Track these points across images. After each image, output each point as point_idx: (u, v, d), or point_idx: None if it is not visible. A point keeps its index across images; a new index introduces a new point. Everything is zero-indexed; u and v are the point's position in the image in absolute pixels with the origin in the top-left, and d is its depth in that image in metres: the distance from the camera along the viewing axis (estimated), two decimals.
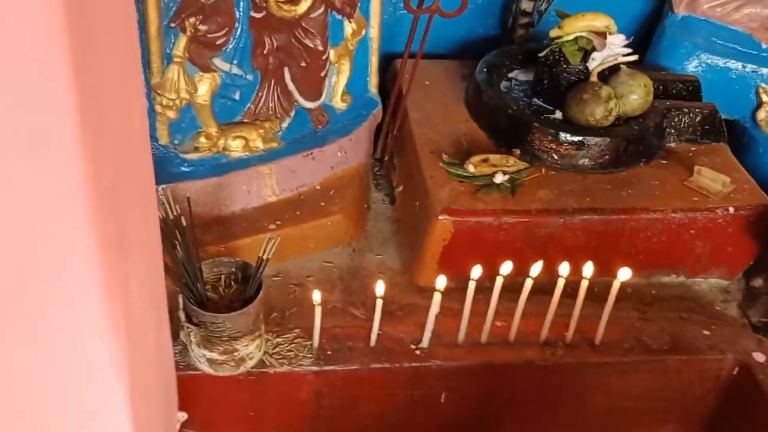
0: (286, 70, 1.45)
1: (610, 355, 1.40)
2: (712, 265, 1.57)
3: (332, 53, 1.49)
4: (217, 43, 1.35)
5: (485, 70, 1.68)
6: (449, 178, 1.49)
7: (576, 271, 1.34)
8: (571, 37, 1.55)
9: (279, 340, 1.34)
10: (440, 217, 1.43)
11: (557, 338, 1.40)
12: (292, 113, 1.51)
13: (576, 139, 1.52)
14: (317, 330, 1.32)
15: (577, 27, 1.54)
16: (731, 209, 1.50)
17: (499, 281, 1.31)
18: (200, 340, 1.23)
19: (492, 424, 1.47)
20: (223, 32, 1.35)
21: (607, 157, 1.54)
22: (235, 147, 1.45)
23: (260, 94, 1.45)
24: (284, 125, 1.50)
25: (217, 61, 1.37)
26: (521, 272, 1.33)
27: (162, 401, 0.95)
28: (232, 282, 1.29)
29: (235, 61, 1.38)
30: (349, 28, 1.50)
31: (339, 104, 1.57)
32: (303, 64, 1.46)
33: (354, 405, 1.39)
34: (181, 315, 1.22)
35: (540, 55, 1.60)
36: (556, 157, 1.54)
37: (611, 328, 1.40)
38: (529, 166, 1.52)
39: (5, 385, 0.64)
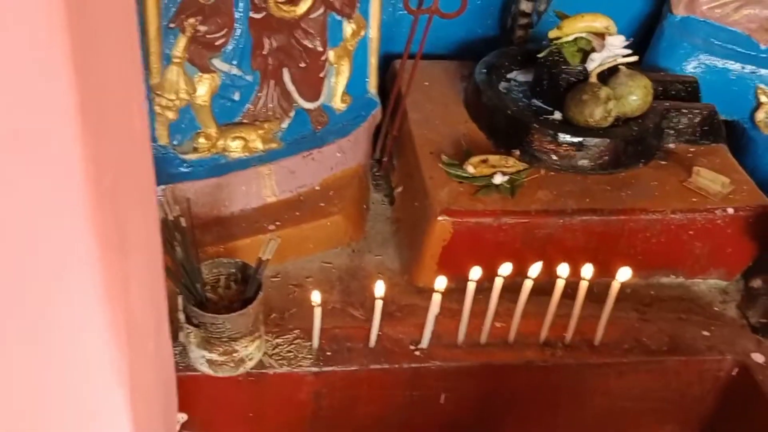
0: (285, 70, 1.45)
1: (609, 355, 1.40)
2: (711, 265, 1.57)
3: (331, 54, 1.49)
4: (217, 43, 1.35)
5: (484, 70, 1.68)
6: (448, 179, 1.49)
7: (575, 272, 1.34)
8: (570, 38, 1.55)
9: (278, 340, 1.34)
10: (439, 218, 1.43)
11: (557, 339, 1.40)
12: (292, 114, 1.51)
13: (575, 139, 1.52)
14: (317, 331, 1.32)
15: (576, 28, 1.54)
16: (730, 210, 1.50)
17: (498, 282, 1.31)
18: (200, 341, 1.23)
19: (491, 425, 1.47)
20: (223, 33, 1.35)
21: (606, 157, 1.54)
22: (235, 147, 1.45)
23: (260, 94, 1.45)
24: (283, 126, 1.50)
25: (217, 62, 1.37)
26: (520, 273, 1.33)
27: (162, 402, 0.95)
28: (232, 283, 1.29)
29: (234, 62, 1.38)
30: (348, 28, 1.49)
31: (338, 105, 1.57)
32: (302, 64, 1.46)
33: (353, 406, 1.39)
34: (181, 316, 1.22)
35: (539, 56, 1.60)
36: (555, 158, 1.54)
37: (610, 329, 1.40)
38: (529, 166, 1.52)
39: (5, 386, 0.64)
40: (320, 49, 1.46)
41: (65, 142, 0.54)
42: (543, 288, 1.34)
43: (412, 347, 1.37)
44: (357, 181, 1.63)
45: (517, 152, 1.54)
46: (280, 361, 1.31)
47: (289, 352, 1.33)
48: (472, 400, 1.42)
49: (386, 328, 1.37)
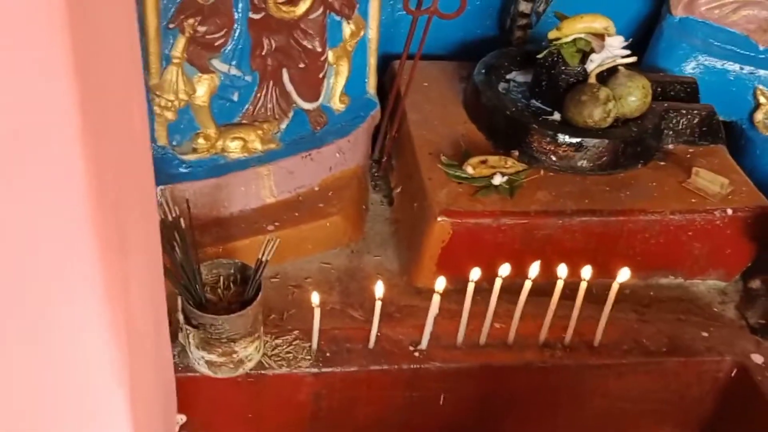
0: (284, 71, 1.45)
1: (608, 356, 1.40)
2: (710, 266, 1.57)
3: (331, 54, 1.49)
4: (216, 44, 1.35)
5: (483, 71, 1.68)
6: (448, 180, 1.49)
7: (574, 273, 1.34)
8: (569, 39, 1.55)
9: (278, 341, 1.34)
10: (439, 219, 1.43)
11: (556, 340, 1.40)
12: (291, 114, 1.50)
13: (574, 140, 1.52)
14: (316, 332, 1.31)
15: (575, 29, 1.54)
16: (729, 211, 1.50)
17: (497, 283, 1.31)
18: (199, 341, 1.23)
19: (491, 426, 1.47)
20: (222, 33, 1.34)
21: (605, 158, 1.54)
22: (234, 148, 1.45)
23: (259, 95, 1.45)
24: (282, 126, 1.50)
25: (216, 63, 1.37)
26: (520, 274, 1.33)
27: (161, 403, 0.95)
28: (231, 284, 1.29)
29: (233, 62, 1.38)
30: (347, 29, 1.49)
31: (337, 105, 1.56)
32: (301, 65, 1.46)
33: (353, 407, 1.39)
34: (180, 317, 1.22)
35: (538, 56, 1.60)
36: (554, 159, 1.54)
37: (610, 330, 1.40)
38: (528, 167, 1.52)
39: (5, 387, 0.64)
40: (319, 49, 1.46)
41: (65, 142, 0.53)
42: (542, 289, 1.34)
43: (411, 348, 1.37)
44: (356, 181, 1.63)
45: (516, 153, 1.54)
46: (280, 362, 1.31)
47: (289, 353, 1.32)
48: (472, 401, 1.42)
49: (385, 329, 1.37)
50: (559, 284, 1.33)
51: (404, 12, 1.55)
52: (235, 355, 1.24)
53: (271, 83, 1.45)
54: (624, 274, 1.35)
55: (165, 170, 1.40)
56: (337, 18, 1.47)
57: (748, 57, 1.77)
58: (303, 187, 1.56)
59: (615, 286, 1.34)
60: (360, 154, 1.65)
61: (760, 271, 1.53)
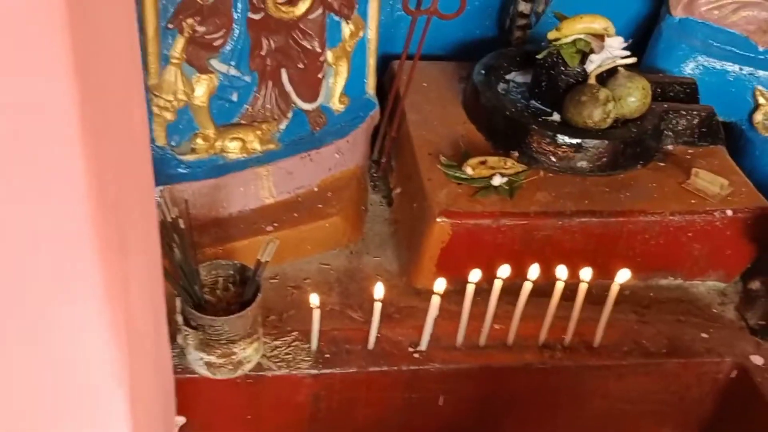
0: (283, 71, 1.45)
1: (608, 358, 1.40)
2: (709, 267, 1.57)
3: (330, 55, 1.48)
4: (215, 44, 1.35)
5: (483, 72, 1.67)
6: (447, 180, 1.49)
7: (574, 274, 1.34)
8: (569, 40, 1.55)
9: (277, 343, 1.33)
10: (438, 220, 1.43)
11: (556, 341, 1.39)
12: (290, 115, 1.50)
13: (574, 141, 1.52)
14: (315, 333, 1.31)
15: (575, 29, 1.54)
16: (729, 212, 1.50)
17: (497, 284, 1.31)
18: (198, 343, 1.22)
19: (490, 427, 1.47)
20: (221, 33, 1.34)
21: (605, 159, 1.54)
22: (233, 148, 1.45)
23: (258, 95, 1.45)
24: (282, 127, 1.50)
25: (215, 63, 1.36)
26: (519, 275, 1.33)
27: (161, 404, 0.95)
28: (230, 285, 1.28)
29: (232, 63, 1.37)
30: (346, 29, 1.49)
31: (336, 106, 1.56)
32: (300, 65, 1.45)
33: (352, 408, 1.38)
34: (179, 318, 1.22)
35: (538, 57, 1.60)
36: (554, 160, 1.53)
37: (609, 331, 1.39)
38: (527, 168, 1.52)
39: (5, 386, 0.64)
40: (318, 49, 1.46)
41: (65, 142, 0.53)
42: (542, 290, 1.34)
43: (410, 349, 1.37)
44: (355, 182, 1.62)
45: (516, 154, 1.53)
46: (279, 364, 1.31)
47: (288, 354, 1.32)
48: (471, 403, 1.42)
49: (385, 330, 1.37)
50: (559, 285, 1.33)
51: (403, 12, 1.54)
52: (234, 357, 1.24)
53: (270, 84, 1.44)
54: (624, 275, 1.34)
55: (164, 171, 1.39)
56: (337, 18, 1.46)
57: (747, 58, 1.77)
58: (302, 187, 1.55)
59: (615, 287, 1.34)
60: (359, 155, 1.65)
61: (760, 272, 1.53)
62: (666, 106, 1.64)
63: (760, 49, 1.77)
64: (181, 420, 1.22)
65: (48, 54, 0.50)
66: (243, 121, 1.46)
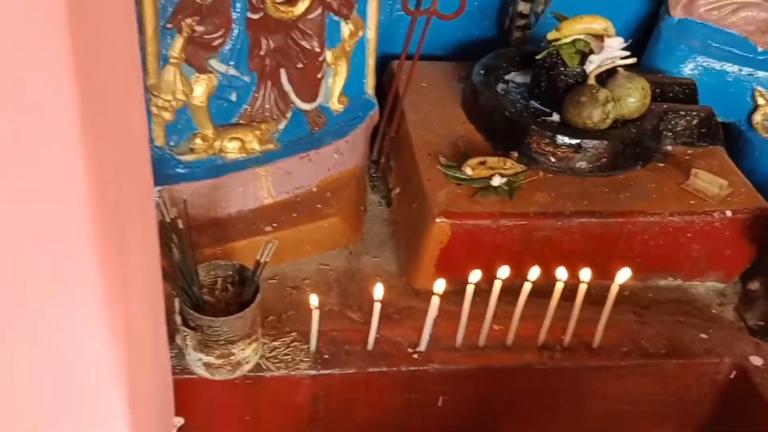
0: (282, 71, 1.44)
1: (607, 358, 1.40)
2: (708, 268, 1.56)
3: (329, 54, 1.48)
4: (214, 44, 1.34)
5: (482, 72, 1.67)
6: (446, 181, 1.49)
7: (573, 274, 1.34)
8: (568, 40, 1.55)
9: (276, 343, 1.33)
10: (437, 220, 1.42)
11: (555, 342, 1.39)
12: (289, 115, 1.50)
13: (573, 141, 1.52)
14: (314, 334, 1.31)
15: (574, 30, 1.54)
16: (728, 212, 1.50)
17: (497, 285, 1.31)
18: (196, 343, 1.22)
19: (489, 428, 1.46)
20: (220, 33, 1.34)
21: (604, 159, 1.53)
22: (231, 148, 1.44)
23: (257, 95, 1.44)
24: (280, 127, 1.49)
25: (214, 62, 1.36)
26: (519, 275, 1.32)
27: (159, 405, 0.95)
28: (229, 285, 1.28)
29: (231, 63, 1.37)
30: (346, 29, 1.49)
31: (335, 106, 1.56)
32: (300, 65, 1.45)
33: (351, 409, 1.38)
34: (177, 318, 1.21)
35: (537, 57, 1.60)
36: (553, 160, 1.53)
37: (609, 332, 1.39)
38: (527, 168, 1.51)
39: (5, 387, 0.63)
40: (318, 49, 1.45)
41: (65, 142, 0.53)
42: (541, 290, 1.34)
43: (410, 350, 1.36)
44: (354, 182, 1.62)
45: (516, 154, 1.53)
46: (278, 364, 1.30)
47: (287, 355, 1.32)
48: (471, 403, 1.42)
49: (384, 330, 1.36)
50: (559, 286, 1.33)
51: (403, 12, 1.54)
52: (232, 357, 1.24)
53: (269, 83, 1.44)
54: (623, 276, 1.34)
55: (162, 171, 1.39)
56: (336, 18, 1.46)
57: (746, 58, 1.77)
58: (301, 187, 1.55)
59: (614, 288, 1.34)
60: (358, 155, 1.64)
61: (759, 272, 1.53)
62: (665, 106, 1.64)
63: (759, 49, 1.77)
64: (180, 421, 1.22)
65: (48, 54, 0.50)
66: (242, 121, 1.45)
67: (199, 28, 1.31)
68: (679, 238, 1.51)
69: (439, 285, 1.29)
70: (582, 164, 1.53)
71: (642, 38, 1.87)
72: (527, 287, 1.31)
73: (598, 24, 1.54)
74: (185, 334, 1.22)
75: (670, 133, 1.64)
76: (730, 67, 1.77)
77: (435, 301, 1.29)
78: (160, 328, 0.93)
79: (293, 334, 1.35)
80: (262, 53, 1.40)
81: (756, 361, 1.42)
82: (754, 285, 1.52)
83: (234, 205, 1.48)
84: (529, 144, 1.53)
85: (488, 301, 1.32)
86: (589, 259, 1.38)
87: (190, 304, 1.21)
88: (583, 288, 1.33)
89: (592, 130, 1.53)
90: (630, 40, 1.59)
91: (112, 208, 0.61)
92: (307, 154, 1.54)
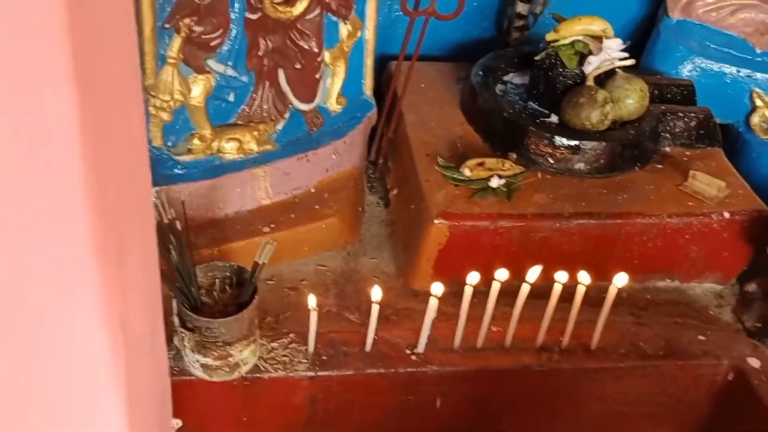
0: (280, 71, 1.44)
1: (605, 360, 1.40)
2: (706, 269, 1.56)
3: (327, 55, 1.48)
4: (212, 44, 1.34)
5: (480, 73, 1.67)
6: (445, 182, 1.49)
7: (571, 276, 1.33)
8: (567, 41, 1.55)
9: (274, 345, 1.33)
10: (436, 221, 1.42)
11: (553, 343, 1.39)
12: (287, 115, 1.49)
13: (572, 143, 1.52)
14: (312, 335, 1.30)
15: (573, 31, 1.54)
16: (726, 214, 1.50)
17: (495, 286, 1.31)
18: (194, 345, 1.22)
19: (488, 430, 1.46)
20: (218, 33, 1.33)
21: (602, 161, 1.53)
22: (229, 149, 1.44)
23: (255, 95, 1.44)
24: (278, 127, 1.49)
25: (212, 63, 1.36)
26: (517, 277, 1.32)
27: (157, 407, 0.94)
28: (227, 286, 1.27)
29: (229, 63, 1.37)
30: (344, 29, 1.48)
31: (334, 106, 1.55)
32: (298, 65, 1.45)
33: (349, 410, 1.38)
34: (175, 320, 1.21)
35: (536, 58, 1.60)
36: (551, 161, 1.53)
37: (607, 333, 1.39)
38: (525, 170, 1.51)
39: (3, 388, 0.63)
40: (316, 50, 1.45)
41: (65, 142, 0.53)
42: (539, 292, 1.34)
43: (408, 351, 1.36)
44: (352, 183, 1.62)
45: (514, 155, 1.53)
46: (276, 366, 1.30)
47: (285, 356, 1.31)
48: (469, 405, 1.42)
49: (382, 332, 1.36)
50: (557, 288, 1.33)
51: (401, 13, 1.54)
52: (230, 359, 1.23)
53: (267, 84, 1.44)
54: (621, 278, 1.34)
55: (160, 171, 1.38)
56: (334, 18, 1.46)
57: (745, 60, 1.77)
58: (299, 188, 1.55)
59: (613, 290, 1.34)
60: (356, 156, 1.64)
61: (757, 274, 1.53)
62: (663, 107, 1.64)
63: (758, 51, 1.77)
64: (178, 423, 1.22)
65: (48, 54, 0.49)
66: (240, 122, 1.45)
67: (197, 28, 1.31)
68: (677, 240, 1.51)
69: (437, 286, 1.29)
70: (580, 165, 1.53)
71: (640, 39, 1.87)
72: (525, 289, 1.31)
73: (597, 25, 1.54)
74: (183, 335, 1.21)
75: (668, 135, 1.64)
76: (729, 69, 1.77)
77: (433, 303, 1.29)
78: (158, 329, 0.93)
79: (291, 335, 1.35)
80: (260, 53, 1.40)
81: (753, 362, 1.42)
82: (752, 287, 1.52)
83: (232, 206, 1.48)
84: (528, 145, 1.53)
85: (486, 303, 1.32)
86: (587, 261, 1.38)
87: (188, 306, 1.21)
88: (581, 289, 1.33)
89: (590, 132, 1.52)
90: (628, 42, 1.59)
91: (111, 208, 0.61)
92: (305, 154, 1.53)
